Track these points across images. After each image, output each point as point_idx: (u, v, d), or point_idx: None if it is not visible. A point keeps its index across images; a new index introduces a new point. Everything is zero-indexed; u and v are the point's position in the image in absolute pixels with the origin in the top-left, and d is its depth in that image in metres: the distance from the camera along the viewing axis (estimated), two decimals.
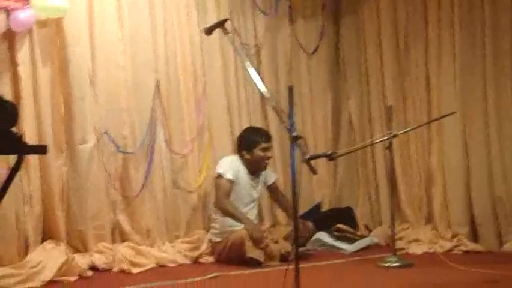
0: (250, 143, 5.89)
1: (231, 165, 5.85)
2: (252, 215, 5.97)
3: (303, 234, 5.88)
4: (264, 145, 5.86)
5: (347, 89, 7.27)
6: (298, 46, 6.99)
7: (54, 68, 5.34)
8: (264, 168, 5.97)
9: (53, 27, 5.32)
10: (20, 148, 2.59)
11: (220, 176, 5.80)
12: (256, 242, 5.55)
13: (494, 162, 6.08)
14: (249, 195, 5.94)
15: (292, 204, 3.98)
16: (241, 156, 5.92)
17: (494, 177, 6.06)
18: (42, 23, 5.25)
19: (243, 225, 5.68)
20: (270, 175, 6.11)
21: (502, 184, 6.02)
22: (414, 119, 6.61)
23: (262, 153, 5.86)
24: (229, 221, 5.76)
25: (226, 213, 5.75)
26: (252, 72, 3.89)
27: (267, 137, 5.94)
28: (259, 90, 3.86)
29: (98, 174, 5.50)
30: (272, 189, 6.16)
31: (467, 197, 6.20)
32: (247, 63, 3.95)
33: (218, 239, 5.79)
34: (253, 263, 5.47)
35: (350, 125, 7.23)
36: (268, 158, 5.91)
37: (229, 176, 5.78)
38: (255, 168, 5.93)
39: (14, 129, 2.59)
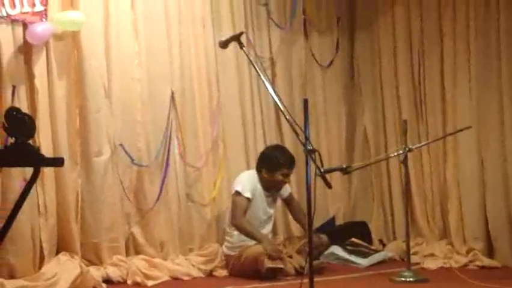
0: (273, 165, 5.84)
1: (249, 183, 5.82)
2: (267, 230, 5.95)
3: (317, 247, 5.84)
4: (286, 171, 5.81)
5: (361, 102, 7.25)
6: (313, 60, 6.99)
7: (70, 80, 5.37)
8: (279, 190, 5.96)
9: (70, 40, 5.36)
10: (36, 160, 2.60)
11: (238, 193, 5.77)
12: (273, 259, 5.52)
13: (510, 177, 6.03)
14: (264, 211, 5.91)
15: (307, 218, 3.97)
16: (259, 173, 5.89)
17: (511, 192, 6.01)
18: (59, 36, 5.30)
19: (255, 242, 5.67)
20: (285, 189, 6.06)
21: None
22: (430, 132, 6.58)
23: (281, 178, 5.83)
24: (241, 236, 5.74)
25: (243, 231, 5.72)
26: (267, 85, 3.90)
27: (291, 163, 5.87)
28: (274, 103, 3.86)
29: (113, 186, 5.52)
30: (288, 202, 6.12)
31: (482, 211, 6.16)
32: (263, 76, 3.96)
33: (232, 253, 5.78)
34: (271, 275, 5.44)
35: (365, 139, 7.20)
36: (285, 183, 5.90)
37: (247, 194, 5.76)
38: (270, 187, 5.91)
39: (30, 141, 2.60)
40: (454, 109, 6.40)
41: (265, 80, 3.96)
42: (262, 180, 5.87)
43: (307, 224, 4.01)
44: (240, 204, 5.75)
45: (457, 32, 6.39)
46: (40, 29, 5.10)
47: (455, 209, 6.34)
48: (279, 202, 6.17)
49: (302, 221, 5.95)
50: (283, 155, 5.92)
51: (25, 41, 5.11)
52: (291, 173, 5.92)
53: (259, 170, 5.91)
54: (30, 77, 5.17)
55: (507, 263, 5.94)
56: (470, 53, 6.28)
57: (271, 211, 6.00)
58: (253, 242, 5.68)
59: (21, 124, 2.51)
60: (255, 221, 5.83)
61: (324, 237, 6.03)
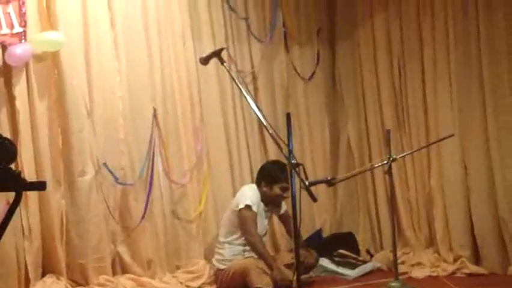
0: (272, 178, 5.82)
1: (255, 197, 5.77)
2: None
3: (308, 261, 5.82)
4: (285, 185, 5.78)
5: (344, 113, 7.27)
6: (295, 72, 7.01)
7: (51, 100, 5.34)
8: (278, 206, 5.93)
9: (50, 60, 5.34)
10: (18, 185, 2.58)
11: (248, 207, 5.69)
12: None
13: (495, 183, 6.05)
14: (263, 225, 5.88)
15: (293, 232, 3.97)
16: (259, 186, 5.87)
17: (496, 198, 6.03)
18: (39, 57, 5.27)
19: (248, 255, 5.66)
20: (282, 206, 6.02)
21: (504, 205, 5.97)
22: (413, 141, 6.60)
23: (280, 192, 5.80)
24: (235, 249, 5.72)
25: (256, 250, 5.66)
26: (249, 99, 3.90)
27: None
28: (257, 118, 3.87)
29: (98, 206, 5.48)
30: (283, 219, 6.08)
31: (468, 219, 6.17)
32: (244, 92, 3.97)
33: (222, 266, 5.74)
34: None
35: (349, 150, 7.22)
36: (284, 198, 5.87)
37: (255, 208, 5.72)
38: (269, 201, 5.88)
39: (12, 166, 2.58)
40: (436, 117, 6.43)
41: (247, 96, 3.96)
42: (261, 195, 5.85)
43: (294, 237, 4.01)
44: (251, 219, 5.69)
45: (437, 41, 6.41)
46: (20, 50, 5.07)
47: (440, 217, 6.35)
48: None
49: (299, 238, 5.82)
50: (282, 169, 5.91)
51: (5, 63, 5.09)
52: (289, 187, 5.85)
53: (258, 183, 5.90)
54: (11, 98, 5.13)
55: (494, 270, 5.94)
56: (449, 61, 6.31)
57: (268, 225, 5.99)
58: (246, 256, 5.66)
59: (2, 149, 2.49)
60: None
61: (313, 252, 5.99)
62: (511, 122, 6.00)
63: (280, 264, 5.81)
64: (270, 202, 5.88)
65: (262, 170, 6.00)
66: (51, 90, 5.35)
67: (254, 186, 5.93)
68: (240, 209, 5.72)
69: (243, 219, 5.71)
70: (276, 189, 5.80)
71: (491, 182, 6.07)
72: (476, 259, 6.10)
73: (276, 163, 6.02)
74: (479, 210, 6.12)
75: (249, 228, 5.69)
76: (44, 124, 5.28)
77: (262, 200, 5.84)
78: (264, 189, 5.83)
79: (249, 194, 5.79)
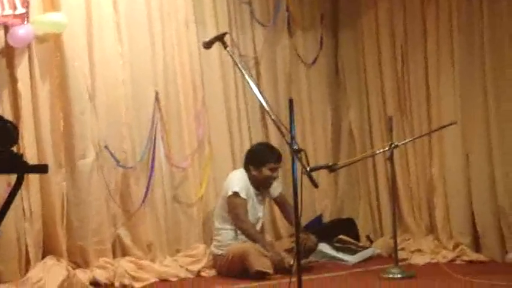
0: (260, 160, 5.83)
1: (243, 183, 5.78)
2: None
3: (306, 243, 5.83)
4: (273, 165, 5.79)
5: (346, 99, 7.26)
6: (297, 57, 6.99)
7: (53, 83, 5.33)
8: (268, 187, 5.92)
9: (52, 42, 5.32)
10: (21, 168, 2.57)
11: (236, 194, 5.72)
12: (278, 267, 5.51)
13: (495, 171, 6.06)
14: (255, 211, 5.88)
15: (294, 218, 3.98)
16: (247, 171, 5.87)
17: (496, 187, 6.04)
18: (41, 39, 5.25)
19: (244, 239, 5.66)
20: (275, 188, 6.04)
21: (503, 193, 6.01)
22: (415, 129, 6.59)
23: (269, 173, 5.80)
24: (231, 234, 5.74)
25: (249, 235, 5.69)
26: (252, 84, 3.89)
27: (278, 158, 5.85)
28: (260, 103, 3.86)
29: (99, 189, 5.48)
30: (279, 202, 6.10)
31: (468, 206, 6.19)
32: (247, 77, 3.95)
33: (220, 252, 5.76)
34: (260, 276, 5.42)
35: (351, 136, 7.21)
36: (274, 178, 5.86)
37: (243, 195, 5.73)
38: (259, 185, 5.88)
39: (14, 148, 2.58)
40: (439, 105, 6.42)
41: (249, 80, 3.95)
42: (251, 179, 5.85)
43: (295, 223, 4.02)
44: (241, 206, 5.71)
45: (440, 28, 6.41)
46: (22, 31, 5.05)
47: (441, 205, 6.37)
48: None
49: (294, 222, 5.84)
50: (269, 150, 5.94)
51: (7, 44, 5.06)
52: (278, 167, 5.88)
53: (247, 168, 5.90)
54: (13, 80, 5.12)
55: (494, 257, 5.97)
56: (453, 49, 6.30)
57: (260, 214, 5.98)
58: (242, 240, 5.66)
59: (4, 132, 2.49)
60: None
61: (312, 237, 6.01)
62: (510, 110, 6.01)
63: (280, 250, 5.84)
64: (261, 185, 5.88)
65: (249, 153, 6.00)
66: (53, 72, 5.33)
67: (242, 170, 5.93)
68: (229, 196, 5.75)
69: (232, 207, 5.74)
70: (265, 171, 5.80)
71: (491, 170, 6.07)
72: (476, 246, 6.12)
73: (263, 144, 6.08)
74: (479, 197, 6.14)
75: (238, 214, 5.71)
76: (45, 106, 5.26)
77: (252, 184, 5.84)
78: (253, 173, 5.83)
79: (237, 181, 5.80)
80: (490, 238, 6.04)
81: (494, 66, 6.08)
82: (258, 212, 5.92)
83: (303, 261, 5.27)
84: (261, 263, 5.47)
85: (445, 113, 6.32)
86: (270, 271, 5.48)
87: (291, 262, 5.34)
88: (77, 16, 5.41)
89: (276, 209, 6.31)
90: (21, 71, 5.12)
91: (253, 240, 5.67)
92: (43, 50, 5.27)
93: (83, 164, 5.39)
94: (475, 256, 6.00)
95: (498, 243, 6.01)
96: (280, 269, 5.52)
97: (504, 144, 6.04)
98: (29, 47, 5.17)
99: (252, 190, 5.85)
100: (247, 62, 6.52)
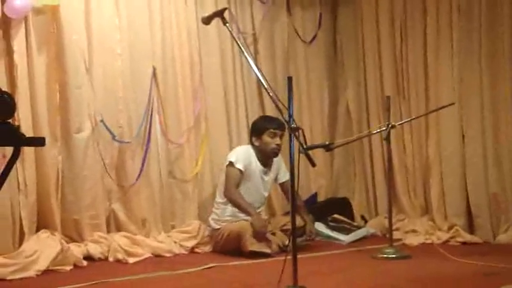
0: (259, 129, 5.82)
1: (243, 156, 5.76)
2: (261, 212, 5.96)
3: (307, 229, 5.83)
4: (272, 131, 5.75)
5: (344, 78, 7.25)
6: (296, 35, 6.96)
7: (50, 56, 5.28)
8: (275, 156, 5.84)
9: (49, 14, 5.26)
10: (17, 140, 2.54)
11: (231, 164, 5.71)
12: (259, 237, 5.51)
13: (490, 153, 6.06)
14: (257, 189, 5.85)
15: (291, 195, 3.98)
16: (252, 144, 5.86)
17: (490, 168, 6.04)
18: (38, 10, 5.19)
19: (243, 217, 5.65)
20: (284, 174, 5.99)
21: (497, 175, 6.01)
22: (412, 109, 6.58)
23: (270, 139, 5.76)
24: (230, 210, 5.73)
25: (234, 203, 5.68)
26: (250, 61, 3.87)
27: (278, 124, 5.75)
28: (258, 80, 3.84)
29: (94, 163, 5.46)
30: (284, 188, 6.05)
31: (463, 188, 6.20)
32: (246, 53, 3.93)
33: (217, 226, 5.76)
34: (259, 255, 5.40)
35: (348, 115, 7.21)
36: (277, 145, 5.79)
37: (239, 165, 5.70)
38: (264, 156, 5.84)
39: (10, 120, 2.55)
40: (436, 86, 6.40)
41: (248, 57, 3.93)
42: (257, 152, 5.82)
43: (291, 202, 4.02)
44: (232, 176, 5.69)
45: (440, 8, 6.36)
46: (19, 2, 4.99)
47: (436, 186, 6.37)
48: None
49: (299, 208, 5.71)
50: (269, 119, 5.92)
51: (3, 15, 5.00)
52: (280, 133, 5.80)
53: (251, 141, 5.90)
54: (9, 52, 5.06)
55: (488, 239, 5.99)
56: (452, 29, 6.27)
57: (266, 193, 5.96)
58: (240, 218, 5.66)
59: (1, 104, 2.45)
60: (249, 197, 5.77)
61: (310, 221, 5.96)
62: (508, 92, 5.99)
63: (275, 228, 5.83)
64: (266, 156, 5.84)
65: (251, 126, 6.01)
66: (50, 44, 5.28)
67: (247, 146, 5.92)
68: (226, 167, 5.74)
69: (226, 177, 5.74)
70: (266, 138, 5.77)
71: (486, 152, 6.08)
72: (471, 228, 6.13)
73: (264, 116, 6.10)
74: (474, 179, 6.15)
75: (228, 184, 5.71)
76: (42, 79, 5.21)
77: (258, 159, 5.82)
78: (256, 144, 5.82)
79: (236, 151, 5.82)
80: (484, 219, 6.05)
81: (493, 47, 6.04)
82: (261, 190, 5.88)
83: (299, 240, 5.32)
84: (256, 244, 5.46)
85: (443, 93, 6.31)
86: (268, 251, 5.47)
87: (286, 241, 5.35)
88: None
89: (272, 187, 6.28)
90: (18, 43, 5.06)
91: (238, 207, 5.66)
92: (40, 21, 5.21)
93: (78, 137, 5.36)
94: (469, 237, 6.01)
95: (492, 225, 6.02)
96: (260, 238, 5.49)
97: (499, 126, 6.03)
98: (26, 18, 5.11)
99: (258, 166, 5.82)
100: (246, 39, 6.48)
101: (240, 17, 6.49)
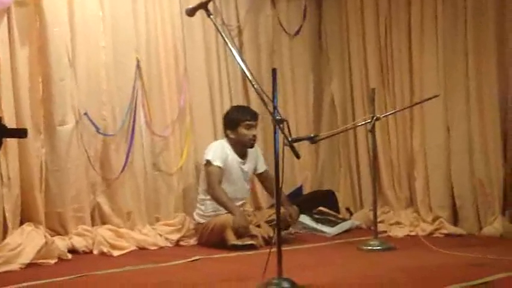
0: (234, 121, 5.80)
1: (219, 151, 5.74)
2: (244, 206, 5.96)
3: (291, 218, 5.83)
4: (248, 123, 5.75)
5: (329, 70, 7.25)
6: (280, 27, 6.94)
7: (33, 48, 5.23)
8: (251, 146, 5.83)
9: (32, 6, 5.21)
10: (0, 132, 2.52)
11: (209, 162, 5.70)
12: (239, 235, 5.50)
13: (475, 145, 6.08)
14: (240, 183, 5.86)
15: (276, 189, 3.97)
16: (227, 137, 5.84)
17: (475, 161, 6.07)
18: (21, 2, 5.13)
19: (223, 211, 5.65)
20: (262, 165, 6.01)
21: (482, 167, 6.03)
22: (397, 102, 6.59)
23: (246, 131, 5.76)
24: (214, 205, 5.71)
25: (217, 201, 5.66)
26: (235, 53, 3.85)
27: (252, 115, 5.80)
28: (242, 72, 3.83)
29: (78, 155, 5.42)
30: (263, 178, 6.05)
31: (448, 180, 6.22)
32: (230, 45, 3.91)
33: (202, 221, 5.75)
34: (245, 248, 5.40)
35: (332, 107, 7.21)
36: (254, 135, 5.80)
37: (217, 163, 5.69)
38: (241, 148, 5.84)
39: None
40: (421, 78, 6.42)
41: (233, 49, 3.92)
42: (232, 145, 5.81)
43: (275, 195, 4.01)
44: (213, 174, 5.68)
45: (424, 1, 6.37)
46: None
47: (421, 178, 6.39)
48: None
49: (282, 200, 5.73)
50: (242, 109, 5.92)
51: None
52: (254, 124, 5.80)
53: (226, 134, 5.87)
54: None
55: (472, 231, 6.02)
56: (437, 21, 6.28)
57: (247, 183, 5.97)
58: (224, 212, 5.65)
59: None
60: (233, 194, 5.77)
61: (295, 208, 5.97)
62: (494, 83, 6.00)
63: (261, 220, 5.82)
64: (243, 147, 5.83)
65: (224, 119, 5.96)
66: (33, 37, 5.23)
67: (221, 141, 5.90)
68: (204, 166, 5.75)
69: (206, 176, 5.74)
70: (242, 130, 5.76)
71: (471, 144, 6.10)
72: (455, 220, 6.16)
73: (235, 106, 6.08)
74: (459, 171, 6.18)
75: (210, 182, 5.69)
76: (25, 71, 5.16)
77: (235, 151, 5.81)
78: (232, 136, 5.81)
79: (212, 149, 5.78)
80: (468, 211, 6.09)
81: (477, 40, 6.06)
82: (242, 180, 5.88)
83: (283, 233, 5.32)
84: (235, 238, 5.47)
85: (427, 85, 6.32)
86: (254, 243, 5.46)
87: (271, 233, 5.35)
88: None
89: (257, 181, 6.27)
90: (0, 36, 5.02)
91: (221, 204, 5.64)
92: (23, 13, 5.16)
93: (62, 130, 5.32)
94: (453, 229, 6.04)
95: (476, 217, 6.05)
96: (241, 235, 5.49)
97: (484, 119, 6.04)
98: (8, 10, 5.06)
99: (235, 160, 5.81)
100: (231, 31, 6.46)
101: (224, 9, 6.47)
